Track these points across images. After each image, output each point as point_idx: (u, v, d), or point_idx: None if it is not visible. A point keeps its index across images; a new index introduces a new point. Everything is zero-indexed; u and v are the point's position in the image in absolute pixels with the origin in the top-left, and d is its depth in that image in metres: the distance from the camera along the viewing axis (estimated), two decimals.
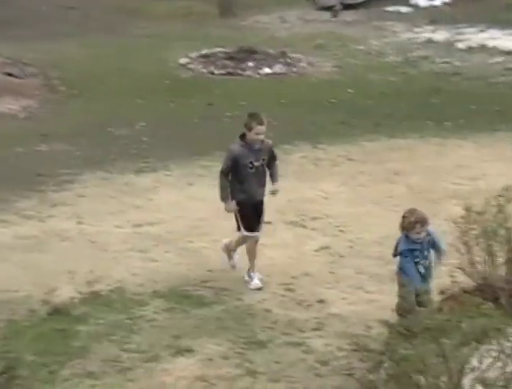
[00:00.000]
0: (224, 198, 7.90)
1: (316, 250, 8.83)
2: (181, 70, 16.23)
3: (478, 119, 13.29)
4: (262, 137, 7.84)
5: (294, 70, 16.30)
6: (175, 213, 9.68)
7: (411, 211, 7.06)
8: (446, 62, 16.74)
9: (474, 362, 5.21)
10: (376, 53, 17.49)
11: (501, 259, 7.30)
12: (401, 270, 7.04)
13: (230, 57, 16.50)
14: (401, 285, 6.97)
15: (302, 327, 7.22)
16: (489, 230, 7.19)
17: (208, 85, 15.30)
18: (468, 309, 5.60)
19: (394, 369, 5.35)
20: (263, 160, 7.91)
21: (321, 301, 7.69)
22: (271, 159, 8.05)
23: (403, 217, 7.03)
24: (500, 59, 16.76)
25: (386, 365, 5.44)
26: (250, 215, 7.89)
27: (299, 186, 10.43)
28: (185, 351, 6.79)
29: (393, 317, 5.75)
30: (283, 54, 16.72)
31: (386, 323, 5.53)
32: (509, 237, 7.22)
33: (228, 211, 7.97)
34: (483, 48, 17.36)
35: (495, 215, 7.18)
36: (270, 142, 8.05)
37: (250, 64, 16.25)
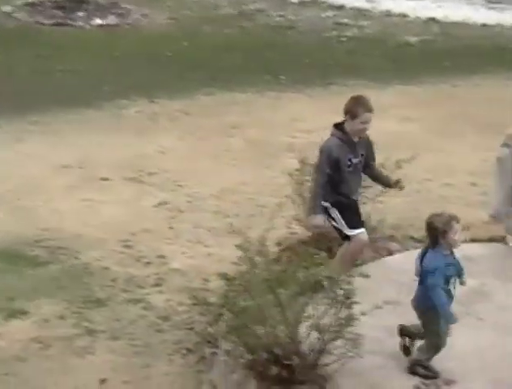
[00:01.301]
0: (317, 212, 6.44)
1: (154, 206, 8.75)
2: (5, 18, 15.45)
3: (312, 73, 13.52)
4: (368, 127, 6.37)
5: (127, 21, 15.93)
6: (4, 171, 9.28)
7: (437, 214, 5.62)
8: (281, 16, 16.90)
9: (309, 310, 5.35)
10: (211, 6, 17.39)
11: None
12: (428, 299, 5.50)
13: (59, 7, 15.86)
14: (431, 322, 5.50)
15: (142, 284, 7.16)
16: None
17: (36, 36, 14.64)
18: (304, 260, 5.72)
19: (234, 321, 5.42)
20: (362, 155, 6.44)
21: (160, 257, 7.64)
22: (370, 157, 6.60)
23: (430, 224, 5.54)
24: (331, 14, 17.13)
25: (225, 317, 5.49)
26: (351, 209, 6.49)
27: (136, 142, 10.27)
28: (19, 313, 6.57)
29: (231, 269, 5.78)
30: (115, 5, 16.31)
31: (224, 276, 5.57)
32: None
33: (311, 229, 6.78)
34: (315, 2, 17.65)
35: None
36: (367, 134, 6.53)
37: (81, 14, 15.72)
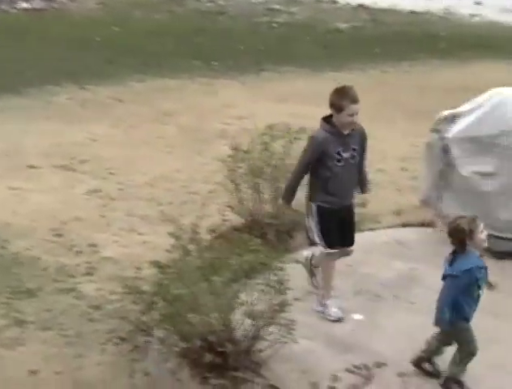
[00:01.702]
0: (285, 199, 6.13)
1: (86, 194, 8.63)
2: None
3: (244, 59, 13.52)
4: (356, 119, 5.98)
5: (54, 5, 15.66)
6: None
7: (458, 217, 5.42)
8: (211, 1, 16.84)
9: (243, 297, 5.35)
10: None
11: (267, 196, 7.52)
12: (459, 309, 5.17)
13: None
14: (462, 330, 5.22)
15: (73, 273, 7.05)
16: (255, 168, 7.37)
17: None
18: (237, 246, 5.71)
19: (167, 309, 5.38)
20: (354, 150, 5.97)
21: (92, 245, 7.54)
22: (362, 150, 6.13)
23: (456, 227, 5.26)
24: None
25: (158, 305, 5.45)
26: (332, 227, 5.98)
27: (66, 129, 10.11)
28: None
29: (164, 257, 5.73)
30: None
31: (157, 264, 5.52)
32: (275, 174, 7.44)
33: (282, 208, 6.49)
34: None
35: (260, 154, 7.37)
36: (361, 125, 6.12)
37: None
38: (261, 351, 5.40)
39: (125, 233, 7.82)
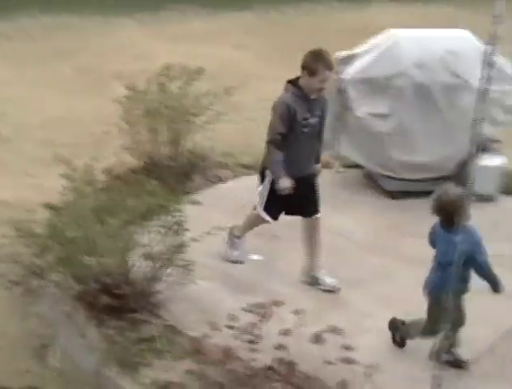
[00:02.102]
0: (278, 175, 5.54)
1: None
2: None
3: None
4: (326, 87, 5.58)
5: None
6: None
7: (444, 190, 4.86)
8: None
9: (140, 239, 5.29)
10: None
11: (165, 138, 7.43)
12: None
13: None
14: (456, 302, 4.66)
15: None
16: (152, 109, 7.25)
17: None
18: (134, 188, 5.63)
19: (62, 252, 5.27)
20: (318, 116, 5.63)
21: None
22: (323, 118, 5.76)
23: (452, 203, 4.71)
24: None
25: (53, 248, 5.34)
26: (281, 198, 5.62)
27: None
28: None
29: (57, 200, 5.58)
30: None
31: (50, 206, 5.39)
32: (172, 116, 7.34)
33: (283, 192, 5.57)
34: None
35: (157, 95, 7.25)
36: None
37: None
38: (159, 292, 5.38)
39: (18, 176, 7.59)
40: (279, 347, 4.95)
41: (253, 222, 5.97)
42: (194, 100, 7.38)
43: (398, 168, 7.50)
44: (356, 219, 7.06)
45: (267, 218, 5.79)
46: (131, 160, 7.40)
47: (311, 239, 5.87)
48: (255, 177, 7.90)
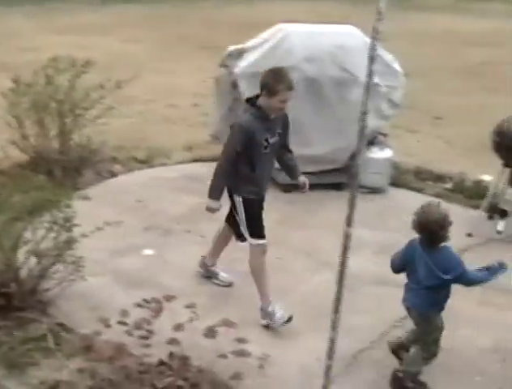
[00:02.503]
0: (213, 196, 5.29)
1: None
2: None
3: None
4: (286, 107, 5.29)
5: None
6: None
7: (430, 209, 4.62)
8: None
9: (28, 235, 5.15)
10: None
11: (53, 132, 7.25)
12: (434, 303, 4.70)
13: None
14: (432, 327, 4.74)
15: None
16: (39, 103, 7.06)
17: None
18: (21, 184, 5.47)
19: None
20: (278, 134, 5.36)
21: None
22: (285, 137, 5.50)
23: (439, 222, 4.54)
24: None
25: None
26: (259, 216, 5.38)
27: None
28: None
29: None
30: None
31: None
32: (61, 109, 7.18)
33: (210, 211, 5.34)
34: None
35: (45, 88, 7.07)
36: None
37: None
38: (48, 290, 5.25)
39: None
40: (172, 342, 4.92)
41: (258, 264, 5.40)
42: (84, 94, 7.24)
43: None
44: None
45: (261, 242, 5.37)
46: (18, 155, 7.20)
47: (226, 240, 5.77)
48: (148, 172, 7.88)
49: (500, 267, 4.58)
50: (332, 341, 4.04)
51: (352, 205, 3.97)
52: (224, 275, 5.87)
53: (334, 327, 4.01)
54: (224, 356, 4.83)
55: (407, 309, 4.73)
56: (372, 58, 3.73)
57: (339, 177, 7.59)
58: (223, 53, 7.75)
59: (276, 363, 4.86)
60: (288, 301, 5.35)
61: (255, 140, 5.17)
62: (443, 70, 12.59)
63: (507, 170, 7.01)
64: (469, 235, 6.83)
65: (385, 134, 8.03)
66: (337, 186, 7.56)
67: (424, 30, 15.77)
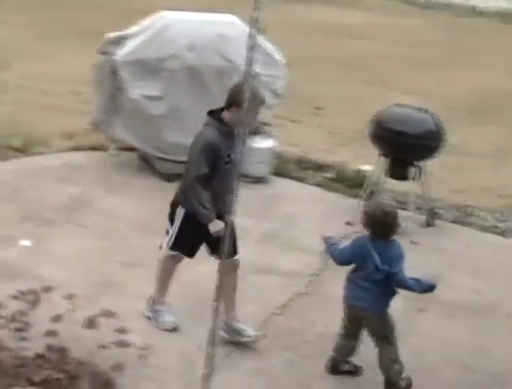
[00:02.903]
0: (207, 217, 4.86)
1: None
2: None
3: None
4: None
5: None
6: None
7: (383, 206, 4.77)
8: None
9: None
10: None
11: None
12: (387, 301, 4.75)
13: None
14: (389, 322, 4.78)
15: None
16: None
17: None
18: None
19: None
20: (239, 151, 4.93)
21: None
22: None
23: (392, 217, 4.63)
24: None
25: None
26: (195, 237, 5.06)
27: None
28: None
29: None
30: None
31: None
32: None
33: (216, 234, 4.77)
34: None
35: None
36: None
37: None
38: None
39: None
40: (50, 333, 4.80)
41: (165, 268, 5.21)
42: None
43: (172, 150, 7.52)
44: (130, 202, 7.01)
45: (176, 254, 5.12)
46: None
47: (230, 284, 5.03)
48: (25, 160, 7.64)
49: (430, 287, 4.61)
50: (214, 329, 4.03)
51: (233, 193, 3.98)
52: (251, 332, 5.15)
53: (215, 315, 4.01)
54: (104, 346, 4.75)
55: (361, 309, 4.68)
56: (251, 47, 3.74)
57: None
58: (102, 39, 7.60)
59: (158, 352, 4.82)
60: (170, 291, 5.32)
61: (220, 156, 4.90)
62: (324, 62, 12.80)
63: (384, 160, 7.19)
64: (348, 223, 6.97)
65: (267, 124, 8.09)
66: None
67: (307, 22, 15.98)
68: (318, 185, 7.87)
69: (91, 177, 7.46)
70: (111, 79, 7.38)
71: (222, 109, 4.98)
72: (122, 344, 4.83)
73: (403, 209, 7.38)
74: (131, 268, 5.82)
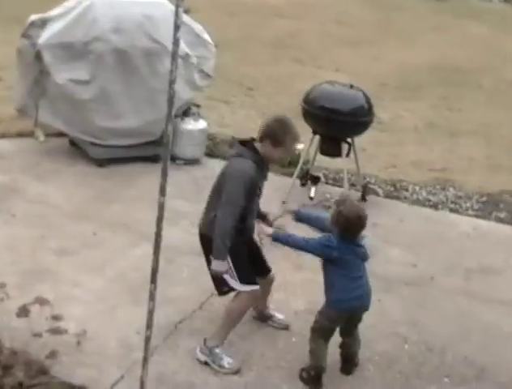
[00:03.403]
0: (222, 254, 4.62)
1: None
2: None
3: None
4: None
5: None
6: None
7: (344, 200, 4.69)
8: None
9: None
10: None
11: None
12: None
13: None
14: None
15: None
16: None
17: None
18: None
19: None
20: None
21: None
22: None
23: (359, 212, 4.56)
24: None
25: None
26: (245, 262, 4.79)
27: None
28: None
29: None
30: None
31: None
32: None
33: (216, 274, 4.68)
34: None
35: None
36: None
37: None
38: None
39: None
40: None
41: (242, 312, 4.85)
42: None
43: (102, 134, 7.41)
44: (61, 188, 6.89)
45: (252, 288, 4.77)
46: None
47: (266, 294, 5.15)
48: None
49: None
50: (151, 312, 3.99)
51: (164, 175, 3.93)
52: (281, 317, 5.26)
53: (151, 297, 3.96)
54: (38, 335, 4.65)
55: (361, 307, 4.62)
56: (176, 26, 3.68)
57: (155, 150, 7.50)
58: (25, 22, 7.40)
59: (94, 338, 4.75)
60: (106, 277, 5.25)
61: (256, 188, 4.75)
62: (253, 41, 12.77)
63: (316, 137, 7.21)
64: (284, 202, 6.98)
65: (199, 106, 8.03)
66: (153, 159, 7.48)
67: (233, 1, 15.91)
68: None
69: (20, 164, 7.30)
70: (35, 63, 7.19)
71: (252, 140, 4.77)
72: (57, 332, 4.72)
73: (338, 186, 7.45)
74: (63, 255, 5.72)
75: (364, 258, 4.59)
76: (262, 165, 4.74)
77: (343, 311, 4.57)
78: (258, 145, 4.73)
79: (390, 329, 5.26)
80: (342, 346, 4.78)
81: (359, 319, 4.70)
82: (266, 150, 4.70)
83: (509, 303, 5.75)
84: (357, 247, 4.55)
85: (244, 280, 4.72)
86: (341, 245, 4.49)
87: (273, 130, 4.69)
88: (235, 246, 4.65)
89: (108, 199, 6.78)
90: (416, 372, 4.87)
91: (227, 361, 4.74)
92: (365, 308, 4.65)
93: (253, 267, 4.85)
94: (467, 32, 14.14)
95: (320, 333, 4.62)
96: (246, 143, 4.77)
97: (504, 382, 4.86)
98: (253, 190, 4.69)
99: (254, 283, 4.77)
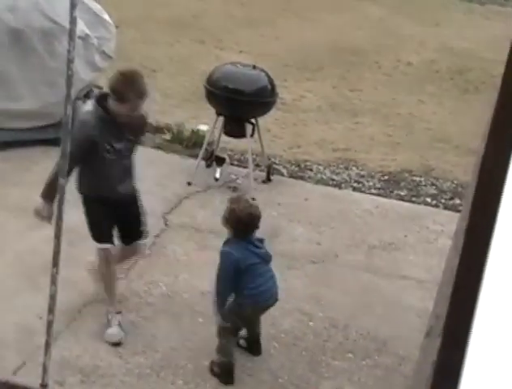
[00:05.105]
0: (45, 196, 4.68)
1: None
2: None
3: None
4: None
5: None
6: None
7: (240, 199, 4.77)
8: None
9: None
10: None
11: None
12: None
13: None
14: None
15: None
16: None
17: None
18: None
19: None
20: (129, 140, 4.86)
21: None
22: (138, 139, 5.04)
23: (255, 211, 4.61)
24: None
25: None
26: (101, 218, 4.84)
27: None
28: None
29: None
30: None
31: None
32: None
33: (38, 216, 4.76)
34: None
35: None
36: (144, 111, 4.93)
37: None
38: None
39: None
40: None
41: (102, 269, 4.93)
42: None
43: None
44: None
45: (100, 246, 4.86)
46: None
47: (123, 259, 5.15)
48: None
49: None
50: (53, 296, 3.92)
51: (64, 156, 3.88)
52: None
53: (53, 281, 3.89)
54: None
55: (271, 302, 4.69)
56: (73, 5, 3.61)
57: (56, 133, 7.33)
58: None
59: None
60: (4, 261, 5.12)
61: (97, 143, 4.70)
62: (153, 22, 12.61)
63: (220, 119, 7.20)
64: (189, 184, 6.96)
65: (101, 88, 7.89)
66: (54, 142, 7.32)
67: None
68: (157, 147, 7.78)
69: None
70: None
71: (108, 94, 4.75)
72: None
73: (244, 167, 7.46)
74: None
75: (267, 258, 4.60)
76: (112, 122, 4.70)
77: (250, 308, 4.61)
78: (111, 102, 4.70)
79: (295, 306, 5.32)
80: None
81: (264, 312, 4.75)
82: (114, 106, 4.69)
83: (409, 277, 5.91)
84: (256, 248, 4.54)
85: (95, 238, 4.84)
86: (237, 245, 4.49)
87: (116, 86, 4.67)
88: (87, 203, 4.84)
89: (8, 183, 6.61)
90: (320, 348, 4.95)
91: (110, 332, 4.75)
92: (272, 304, 4.69)
93: (115, 229, 4.92)
94: (367, 13, 14.34)
95: (229, 330, 4.63)
96: (102, 97, 4.79)
97: (403, 355, 4.99)
98: (91, 143, 4.66)
99: (105, 241, 4.84)
